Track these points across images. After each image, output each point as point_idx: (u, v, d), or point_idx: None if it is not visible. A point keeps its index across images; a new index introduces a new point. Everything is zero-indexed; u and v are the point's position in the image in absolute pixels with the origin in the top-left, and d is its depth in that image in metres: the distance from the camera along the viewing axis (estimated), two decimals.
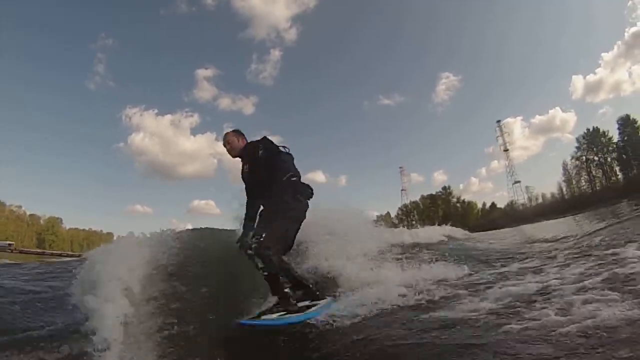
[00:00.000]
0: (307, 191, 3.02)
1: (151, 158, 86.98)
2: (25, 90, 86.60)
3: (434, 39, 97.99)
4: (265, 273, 2.76)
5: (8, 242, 34.66)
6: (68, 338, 2.34)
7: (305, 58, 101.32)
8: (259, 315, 2.68)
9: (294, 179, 2.90)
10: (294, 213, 2.96)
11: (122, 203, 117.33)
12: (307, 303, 2.86)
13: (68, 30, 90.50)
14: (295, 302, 2.81)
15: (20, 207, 63.98)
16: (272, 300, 2.87)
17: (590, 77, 71.96)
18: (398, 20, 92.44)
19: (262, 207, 3.14)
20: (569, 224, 12.31)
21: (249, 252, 2.74)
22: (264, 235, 2.72)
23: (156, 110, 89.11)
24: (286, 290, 2.85)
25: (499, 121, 64.90)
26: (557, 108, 75.34)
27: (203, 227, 5.51)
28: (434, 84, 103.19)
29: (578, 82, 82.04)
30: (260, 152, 3.05)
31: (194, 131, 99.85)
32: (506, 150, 63.44)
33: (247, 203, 3.29)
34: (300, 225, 3.05)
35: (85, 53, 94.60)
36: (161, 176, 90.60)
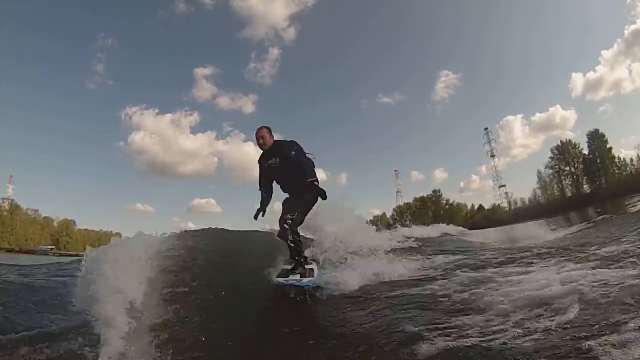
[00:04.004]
0: (322, 193, 3.71)
1: (151, 157, 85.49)
2: (24, 91, 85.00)
3: (433, 37, 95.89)
4: (291, 240, 3.63)
5: (50, 246, 37.43)
6: (69, 337, 2.34)
7: (304, 57, 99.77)
8: (286, 275, 3.54)
9: (316, 183, 3.65)
10: (309, 206, 3.93)
11: (122, 202, 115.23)
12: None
13: (67, 30, 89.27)
14: (305, 266, 3.65)
15: (36, 210, 64.20)
16: (287, 266, 3.75)
17: (590, 75, 70.57)
18: (397, 18, 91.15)
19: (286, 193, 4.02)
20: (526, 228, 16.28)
21: (285, 225, 3.64)
22: (296, 214, 3.72)
23: (156, 110, 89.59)
24: (302, 259, 3.66)
25: (486, 128, 67.56)
26: (557, 106, 72.62)
27: (204, 227, 6.19)
28: (433, 82, 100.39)
29: (578, 80, 78.73)
30: (293, 152, 3.76)
31: (194, 130, 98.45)
32: (492, 156, 66.78)
33: (264, 186, 4.09)
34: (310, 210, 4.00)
35: (84, 53, 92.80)
36: (161, 175, 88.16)
